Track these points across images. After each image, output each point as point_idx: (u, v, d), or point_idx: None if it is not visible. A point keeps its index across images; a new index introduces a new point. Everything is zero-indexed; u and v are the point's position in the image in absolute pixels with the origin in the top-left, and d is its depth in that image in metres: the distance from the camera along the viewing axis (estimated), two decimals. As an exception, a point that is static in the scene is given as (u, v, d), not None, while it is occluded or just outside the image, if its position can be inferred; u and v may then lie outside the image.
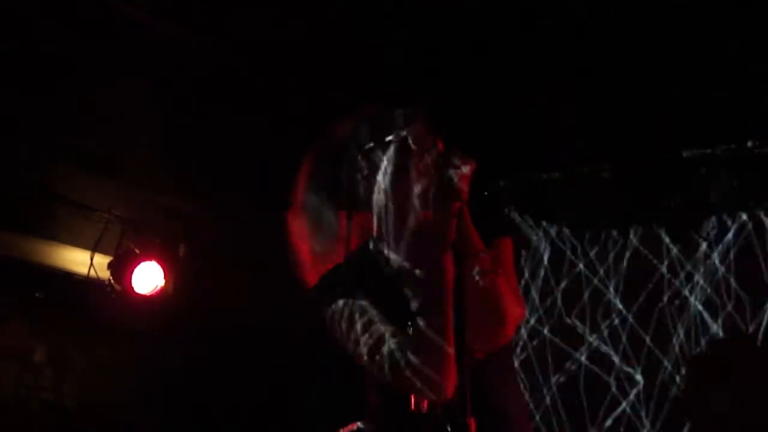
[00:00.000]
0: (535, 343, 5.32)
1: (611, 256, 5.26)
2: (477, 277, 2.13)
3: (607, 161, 4.89)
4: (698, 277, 5.07)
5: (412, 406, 2.05)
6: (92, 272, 4.77)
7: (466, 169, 2.13)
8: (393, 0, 3.74)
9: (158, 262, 4.86)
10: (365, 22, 3.86)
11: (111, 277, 4.79)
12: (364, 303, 2.13)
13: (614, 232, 5.26)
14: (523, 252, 5.33)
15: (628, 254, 5.22)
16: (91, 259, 4.76)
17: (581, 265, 5.29)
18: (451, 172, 2.12)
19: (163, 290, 4.87)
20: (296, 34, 3.93)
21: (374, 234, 2.17)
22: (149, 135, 4.39)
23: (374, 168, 2.19)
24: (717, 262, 5.03)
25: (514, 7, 3.74)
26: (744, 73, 4.09)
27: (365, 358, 2.08)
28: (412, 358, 2.00)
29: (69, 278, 4.80)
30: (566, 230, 5.33)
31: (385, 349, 2.05)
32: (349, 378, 2.26)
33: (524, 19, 3.80)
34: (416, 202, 2.13)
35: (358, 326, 2.11)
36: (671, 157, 4.78)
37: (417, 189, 2.13)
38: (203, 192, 4.94)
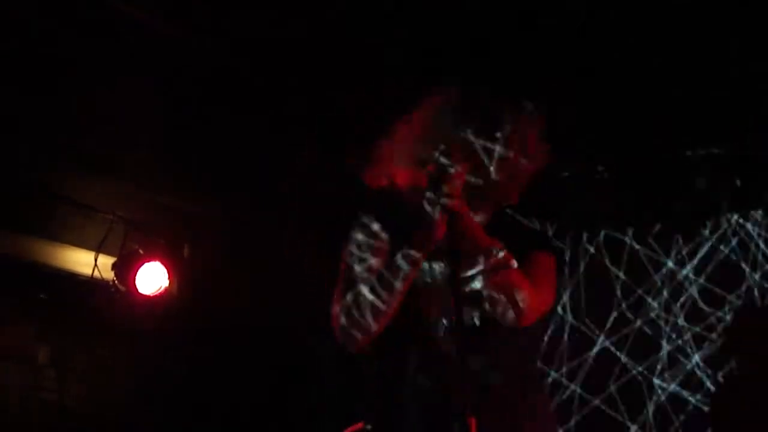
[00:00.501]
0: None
1: (612, 255, 5.26)
2: (484, 273, 2.20)
3: (607, 161, 4.89)
4: (698, 276, 5.07)
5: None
6: (96, 273, 4.76)
7: (459, 168, 2.16)
8: (393, 0, 3.74)
9: (162, 263, 4.85)
10: (365, 22, 3.86)
11: (115, 278, 4.78)
12: (373, 226, 2.38)
13: (613, 233, 5.26)
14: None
15: (627, 254, 5.22)
16: (95, 260, 4.75)
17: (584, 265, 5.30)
18: (445, 171, 2.16)
19: (167, 291, 4.86)
20: (296, 34, 3.93)
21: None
22: (149, 135, 4.39)
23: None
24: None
25: (514, 7, 3.74)
26: (744, 73, 4.09)
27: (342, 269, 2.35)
28: (352, 300, 2.25)
29: (73, 279, 4.78)
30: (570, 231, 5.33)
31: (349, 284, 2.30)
32: (349, 378, 2.29)
33: (524, 19, 3.80)
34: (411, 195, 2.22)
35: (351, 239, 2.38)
36: (671, 157, 4.78)
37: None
38: (203, 192, 4.94)
